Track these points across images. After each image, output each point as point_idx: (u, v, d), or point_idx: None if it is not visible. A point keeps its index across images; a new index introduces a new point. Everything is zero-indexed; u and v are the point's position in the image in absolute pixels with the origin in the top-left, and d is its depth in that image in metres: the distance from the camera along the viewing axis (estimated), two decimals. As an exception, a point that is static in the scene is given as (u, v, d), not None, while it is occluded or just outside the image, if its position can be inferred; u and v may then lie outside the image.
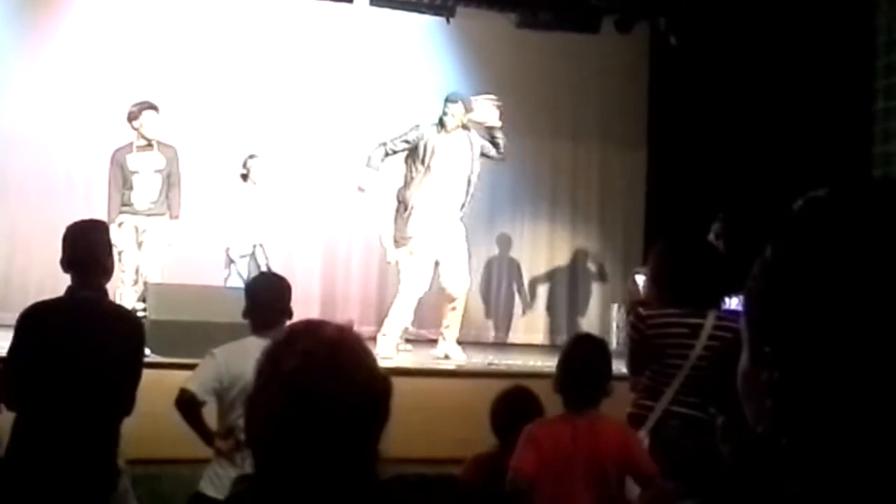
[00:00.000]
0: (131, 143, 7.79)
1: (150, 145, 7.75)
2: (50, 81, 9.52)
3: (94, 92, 9.54)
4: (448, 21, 10.57)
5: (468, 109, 8.01)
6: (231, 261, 8.63)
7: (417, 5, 10.40)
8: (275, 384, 1.57)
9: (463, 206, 8.12)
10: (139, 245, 7.67)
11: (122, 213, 7.64)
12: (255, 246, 8.67)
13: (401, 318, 8.06)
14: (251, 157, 8.81)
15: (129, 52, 9.73)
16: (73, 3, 9.80)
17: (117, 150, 7.81)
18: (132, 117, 7.75)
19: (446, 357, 8.07)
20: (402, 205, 7.99)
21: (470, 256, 8.42)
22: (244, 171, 8.77)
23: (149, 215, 7.73)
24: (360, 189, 8.20)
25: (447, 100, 8.08)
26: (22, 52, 9.56)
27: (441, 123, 7.96)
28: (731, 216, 8.91)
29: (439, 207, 7.93)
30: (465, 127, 8.03)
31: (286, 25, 10.26)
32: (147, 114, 7.75)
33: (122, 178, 7.70)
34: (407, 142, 7.99)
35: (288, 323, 3.93)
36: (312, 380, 1.55)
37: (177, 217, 7.85)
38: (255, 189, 8.75)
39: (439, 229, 7.94)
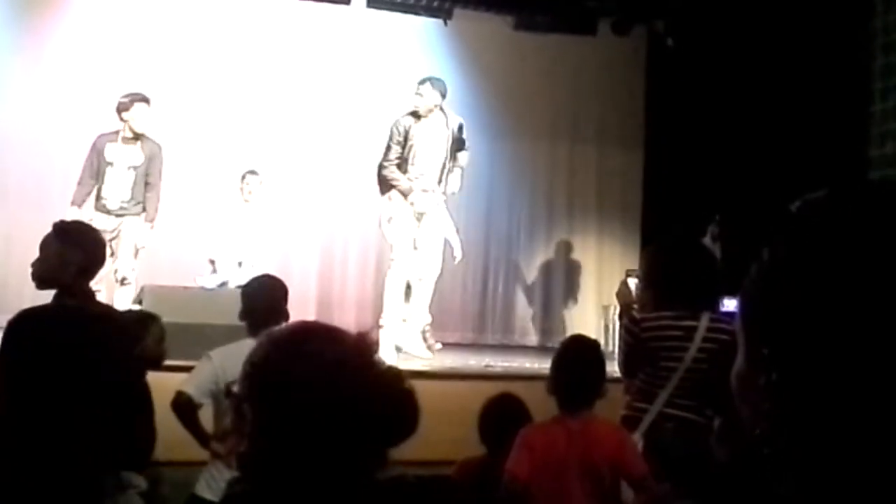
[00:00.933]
0: (117, 132, 7.65)
1: (135, 139, 7.63)
2: (48, 83, 9.52)
3: (92, 94, 9.52)
4: (445, 23, 10.57)
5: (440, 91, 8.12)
6: (215, 272, 8.62)
7: (415, 7, 10.41)
8: (281, 392, 1.54)
9: (440, 182, 8.17)
10: (113, 247, 7.49)
11: (95, 210, 7.55)
12: (240, 263, 8.65)
13: (392, 304, 8.08)
14: (250, 172, 8.79)
15: (127, 54, 9.72)
16: (72, 6, 9.80)
17: (101, 136, 7.67)
18: (123, 108, 7.62)
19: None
20: (384, 186, 8.18)
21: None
22: (241, 186, 8.75)
23: (119, 215, 7.59)
24: (420, 216, 8.13)
25: (419, 83, 8.18)
26: (20, 53, 9.55)
27: (415, 110, 8.08)
28: (727, 217, 8.93)
29: (417, 189, 8.04)
30: (441, 109, 8.14)
31: (283, 27, 10.25)
32: (138, 106, 7.62)
33: (96, 167, 7.57)
34: (396, 143, 8.10)
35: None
36: (321, 388, 1.52)
37: (152, 220, 7.69)
38: (245, 207, 8.72)
39: (418, 210, 8.06)
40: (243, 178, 8.75)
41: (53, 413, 3.63)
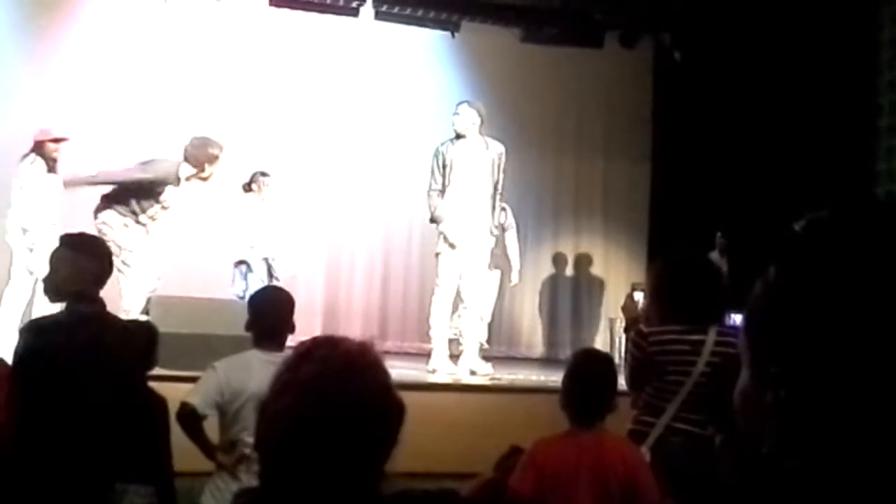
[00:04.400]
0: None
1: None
2: (57, 89, 9.53)
3: (101, 100, 9.56)
4: (453, 35, 10.60)
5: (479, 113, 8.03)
6: (247, 272, 8.64)
7: (422, 19, 10.44)
8: (289, 391, 1.57)
9: (493, 210, 8.08)
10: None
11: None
12: (265, 259, 8.70)
13: (438, 326, 8.07)
14: (262, 174, 8.83)
15: (136, 62, 9.75)
16: (82, 12, 9.81)
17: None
18: (212, 160, 7.64)
19: (472, 373, 8.04)
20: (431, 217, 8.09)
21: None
22: (252, 186, 8.78)
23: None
24: (453, 246, 7.93)
25: (457, 105, 8.13)
26: (29, 59, 9.56)
27: (455, 134, 7.99)
28: (731, 232, 8.92)
29: (465, 217, 7.91)
30: (480, 134, 8.04)
31: (292, 39, 10.29)
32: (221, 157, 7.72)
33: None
34: (438, 168, 7.98)
35: (290, 337, 3.93)
36: (326, 388, 1.55)
37: None
38: (263, 205, 8.79)
39: (466, 239, 7.91)
40: (254, 180, 8.79)
41: (70, 418, 3.65)
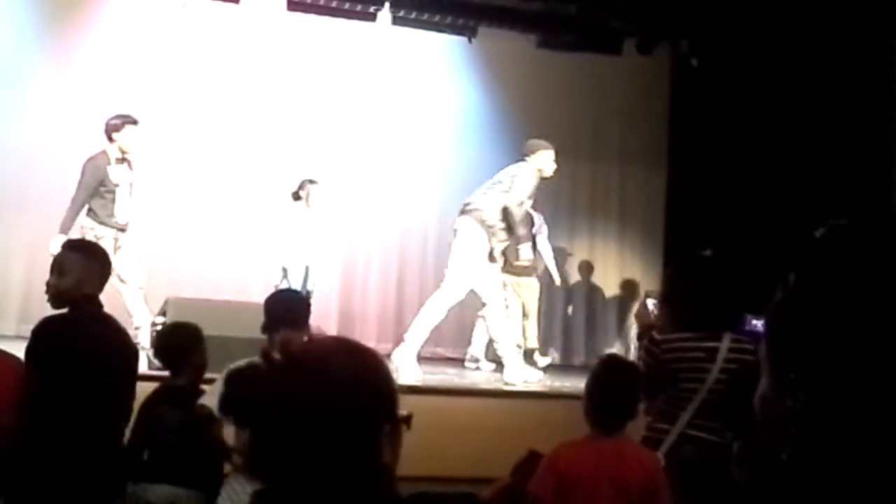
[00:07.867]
0: (105, 154, 7.71)
1: (122, 160, 7.75)
2: (72, 97, 9.57)
3: (119, 104, 9.55)
4: (470, 41, 10.60)
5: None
6: (285, 277, 8.67)
7: (439, 25, 10.44)
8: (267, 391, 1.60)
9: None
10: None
11: (102, 225, 7.61)
12: (307, 267, 8.71)
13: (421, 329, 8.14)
14: (311, 181, 8.86)
15: (154, 66, 9.78)
16: (99, 20, 9.84)
17: (93, 160, 7.68)
18: (113, 129, 7.70)
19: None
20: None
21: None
22: (300, 193, 8.82)
23: (122, 230, 7.75)
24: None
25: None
26: (45, 67, 9.59)
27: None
28: (748, 238, 8.89)
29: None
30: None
31: (310, 44, 10.30)
32: (129, 128, 7.74)
33: (93, 189, 7.60)
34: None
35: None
36: (288, 382, 1.56)
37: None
38: (308, 212, 8.81)
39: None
40: (302, 186, 8.83)
41: (81, 417, 3.68)
